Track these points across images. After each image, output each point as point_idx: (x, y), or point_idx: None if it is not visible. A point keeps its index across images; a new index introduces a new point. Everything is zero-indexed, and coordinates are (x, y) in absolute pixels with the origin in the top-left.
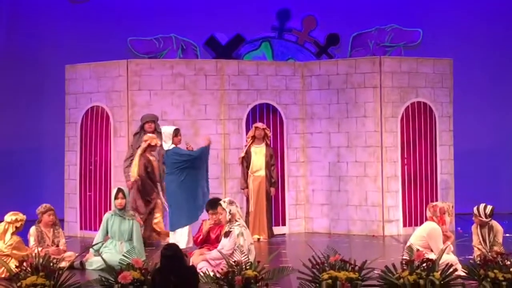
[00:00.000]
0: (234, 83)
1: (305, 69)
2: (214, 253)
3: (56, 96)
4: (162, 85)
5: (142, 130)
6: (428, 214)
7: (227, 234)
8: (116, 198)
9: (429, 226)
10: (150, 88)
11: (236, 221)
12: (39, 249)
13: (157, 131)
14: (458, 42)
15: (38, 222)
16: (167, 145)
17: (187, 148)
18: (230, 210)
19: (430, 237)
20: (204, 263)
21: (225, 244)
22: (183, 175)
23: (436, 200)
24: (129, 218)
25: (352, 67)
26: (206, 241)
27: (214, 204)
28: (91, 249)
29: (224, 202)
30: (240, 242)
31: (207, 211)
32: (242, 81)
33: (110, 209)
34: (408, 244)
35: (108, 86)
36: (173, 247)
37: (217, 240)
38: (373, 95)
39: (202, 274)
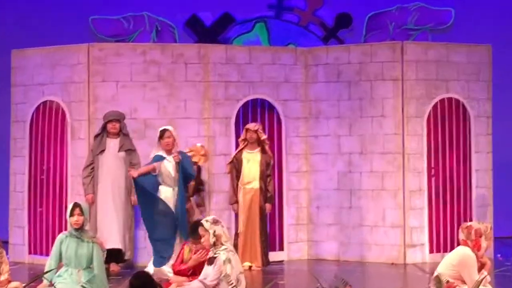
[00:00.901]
0: (221, 73)
1: (309, 56)
2: (195, 284)
3: (0, 88)
4: (131, 75)
5: (104, 131)
6: (461, 237)
7: (211, 261)
8: (71, 215)
9: (461, 252)
10: (116, 79)
11: (222, 244)
12: None
13: (123, 133)
14: (498, 24)
15: None
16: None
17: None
18: (214, 231)
19: (462, 266)
20: None
21: (208, 273)
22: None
23: (471, 220)
24: (88, 240)
25: (368, 54)
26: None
27: (195, 229)
28: (43, 279)
29: (207, 221)
30: (227, 270)
31: (188, 237)
32: (231, 71)
33: (66, 229)
34: (435, 274)
35: (64, 76)
36: (143, 275)
37: (200, 269)
38: (392, 90)
39: None
